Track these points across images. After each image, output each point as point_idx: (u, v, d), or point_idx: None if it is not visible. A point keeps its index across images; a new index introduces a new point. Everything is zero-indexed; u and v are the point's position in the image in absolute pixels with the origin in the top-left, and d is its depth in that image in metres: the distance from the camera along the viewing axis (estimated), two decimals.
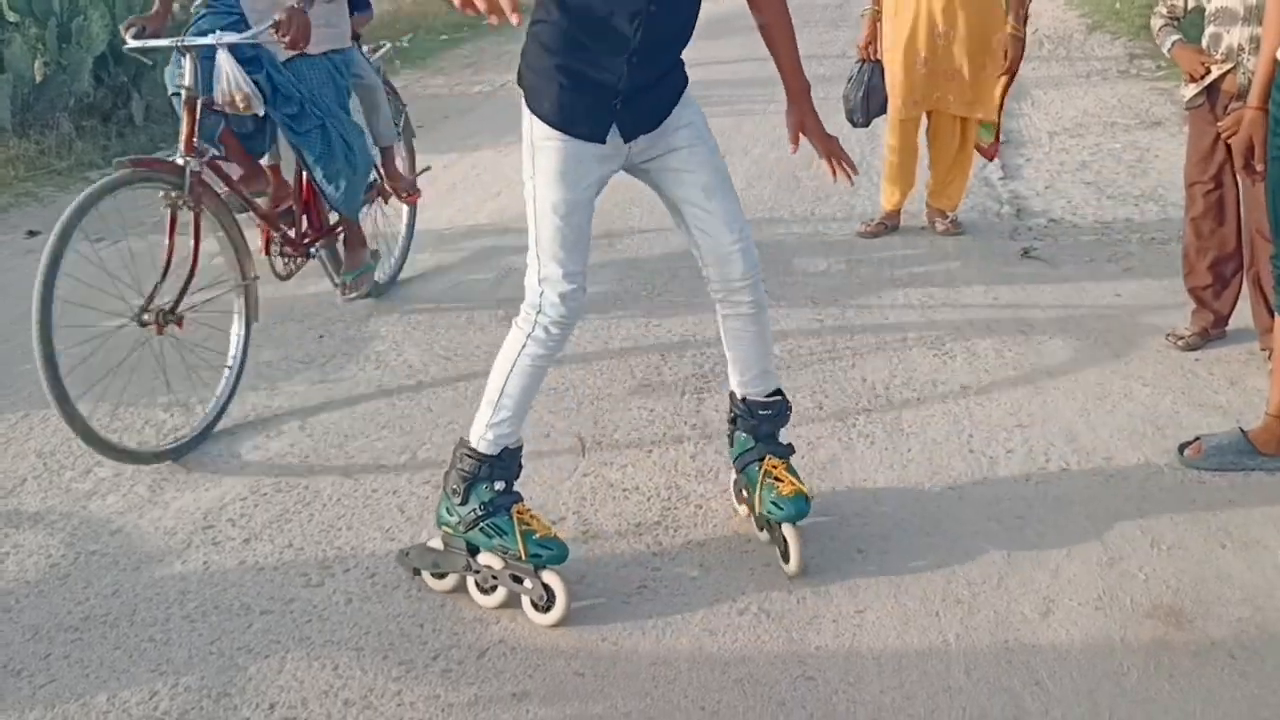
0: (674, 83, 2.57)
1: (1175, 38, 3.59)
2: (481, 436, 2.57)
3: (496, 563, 2.56)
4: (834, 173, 2.73)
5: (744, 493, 2.83)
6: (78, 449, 3.27)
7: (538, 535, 2.54)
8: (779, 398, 2.76)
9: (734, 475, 2.87)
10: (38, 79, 6.63)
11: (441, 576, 2.65)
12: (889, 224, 4.92)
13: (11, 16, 6.76)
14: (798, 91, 2.68)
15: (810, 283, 4.42)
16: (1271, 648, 2.36)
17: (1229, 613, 2.47)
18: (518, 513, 2.57)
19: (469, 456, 2.57)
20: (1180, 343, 3.71)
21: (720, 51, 9.34)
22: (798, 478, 2.69)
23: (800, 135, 2.71)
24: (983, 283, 4.34)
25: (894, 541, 2.78)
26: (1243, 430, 3.04)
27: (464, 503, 2.58)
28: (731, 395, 2.81)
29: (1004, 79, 4.68)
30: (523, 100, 2.51)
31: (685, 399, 3.53)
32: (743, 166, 6.04)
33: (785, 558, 2.64)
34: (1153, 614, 2.48)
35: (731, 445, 2.84)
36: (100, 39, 6.85)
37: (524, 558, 2.51)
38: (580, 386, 3.64)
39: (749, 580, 2.66)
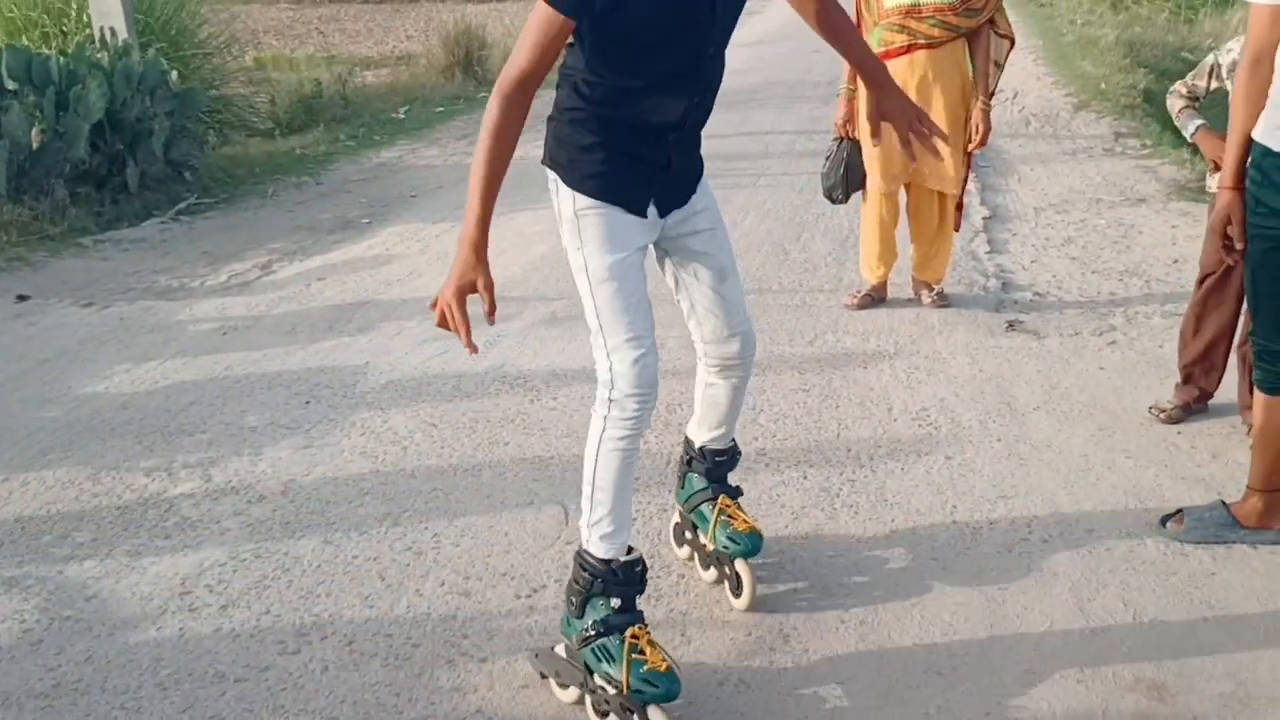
0: (699, 160, 2.58)
1: (1199, 122, 3.62)
2: (588, 539, 2.45)
3: (609, 687, 2.36)
4: (912, 146, 2.63)
5: (686, 534, 2.92)
6: (56, 513, 3.25)
7: (647, 667, 2.31)
8: (734, 444, 2.85)
9: (675, 519, 2.97)
10: (34, 145, 6.69)
11: (565, 687, 2.49)
12: (876, 296, 4.95)
13: (10, 84, 6.84)
14: (874, 72, 2.62)
15: (797, 353, 4.44)
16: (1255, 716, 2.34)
17: (1211, 687, 2.46)
18: (631, 637, 2.35)
19: (582, 566, 2.44)
20: (1163, 416, 3.72)
21: (709, 127, 9.45)
22: (749, 516, 2.78)
23: (881, 122, 2.62)
24: (967, 354, 4.36)
25: (877, 612, 2.76)
26: (1224, 503, 3.05)
27: (580, 616, 2.43)
28: (688, 440, 2.87)
29: (970, 155, 4.75)
30: (555, 181, 2.44)
31: (669, 468, 3.52)
32: (733, 239, 6.04)
33: (736, 592, 2.72)
34: (1135, 687, 2.46)
35: (681, 487, 2.89)
36: (98, 107, 6.93)
37: (626, 691, 2.31)
38: (564, 454, 3.64)
39: (730, 650, 2.64)
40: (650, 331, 2.41)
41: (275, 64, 13.72)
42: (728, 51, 2.47)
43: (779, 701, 2.46)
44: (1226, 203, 2.85)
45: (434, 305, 2.39)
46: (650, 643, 2.37)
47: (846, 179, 4.77)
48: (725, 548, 2.73)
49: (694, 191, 2.56)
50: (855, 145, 4.75)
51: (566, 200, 2.41)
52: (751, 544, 2.72)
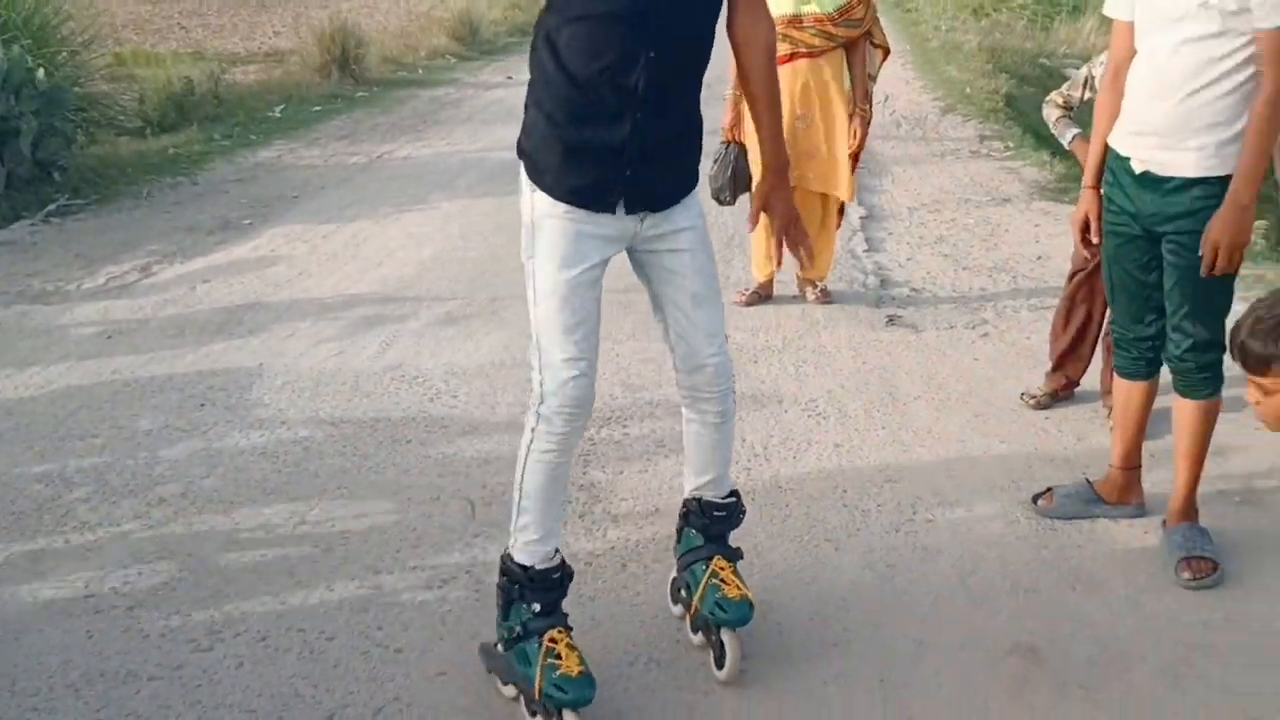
0: (687, 154, 2.46)
1: (1075, 131, 3.84)
2: (514, 544, 2.46)
3: (530, 689, 2.37)
4: (778, 251, 2.71)
5: (682, 592, 2.73)
6: None
7: (559, 672, 2.33)
8: (734, 499, 2.69)
9: (674, 574, 2.79)
10: None
11: (505, 684, 2.50)
12: (763, 294, 5.13)
13: None
14: (773, 167, 2.56)
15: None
16: (1119, 680, 2.56)
17: (1081, 650, 2.67)
18: (549, 641, 2.37)
19: (505, 571, 2.47)
20: (1033, 402, 3.97)
21: None
22: (743, 583, 2.60)
23: (761, 212, 2.61)
24: (851, 348, 4.57)
25: (775, 592, 2.90)
26: (1089, 481, 3.29)
27: (505, 619, 2.47)
28: (684, 497, 2.74)
29: (854, 156, 4.96)
30: (522, 175, 2.41)
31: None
32: None
33: (719, 664, 2.57)
34: (1013, 652, 2.66)
35: (679, 541, 2.75)
36: None
37: (538, 696, 2.34)
38: (467, 451, 3.70)
39: (638, 629, 2.75)
40: (591, 353, 2.37)
41: (137, 60, 13.32)
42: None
43: (687, 677, 2.58)
44: (1086, 199, 3.09)
45: None
46: (569, 646, 2.38)
47: (734, 182, 4.92)
48: (713, 615, 2.56)
49: (678, 201, 2.44)
50: (742, 149, 4.91)
51: (527, 204, 2.39)
52: (740, 614, 2.54)
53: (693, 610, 2.64)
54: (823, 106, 4.76)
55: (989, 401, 4.04)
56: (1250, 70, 2.70)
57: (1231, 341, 2.19)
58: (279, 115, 11.00)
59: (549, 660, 2.34)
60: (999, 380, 4.23)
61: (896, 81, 12.05)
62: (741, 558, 2.70)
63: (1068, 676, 2.57)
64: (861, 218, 6.69)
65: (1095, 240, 3.12)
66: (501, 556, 2.50)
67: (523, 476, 2.43)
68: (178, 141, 9.34)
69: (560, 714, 2.33)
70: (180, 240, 6.48)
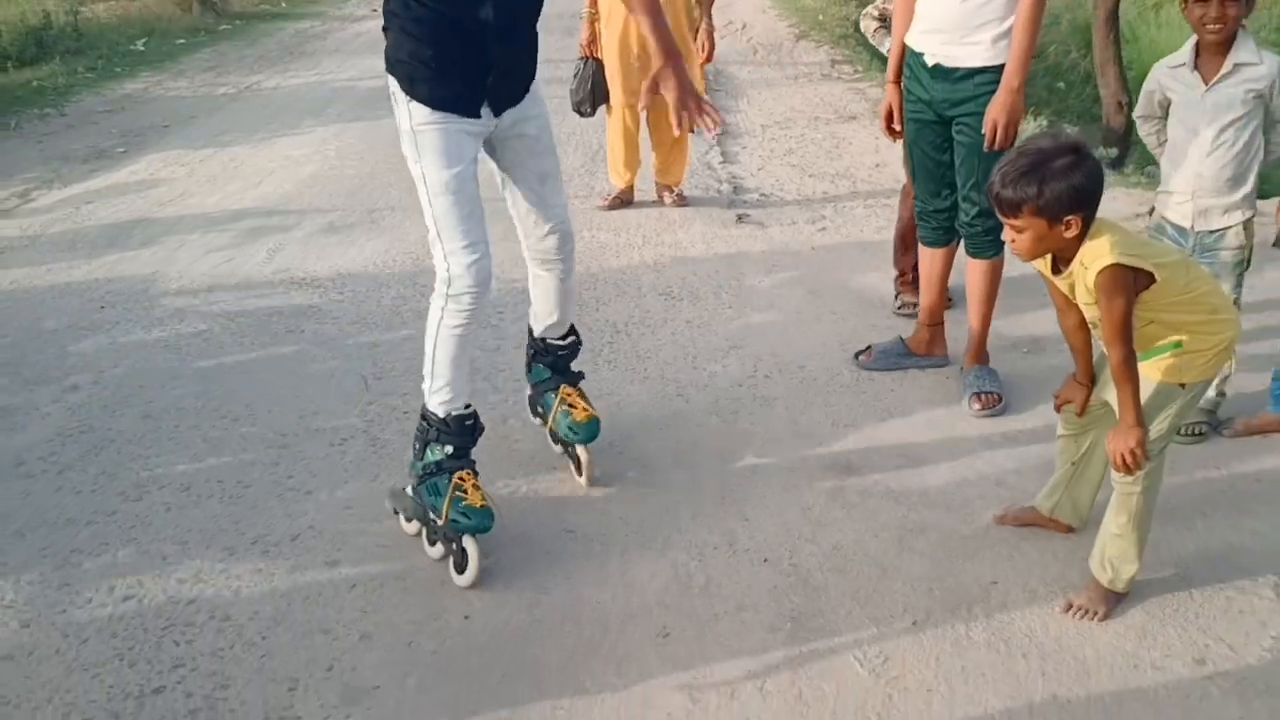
0: (529, 62, 2.78)
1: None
2: (429, 400, 2.79)
3: (436, 519, 2.72)
4: (692, 125, 2.77)
5: (538, 409, 3.25)
6: None
7: (465, 503, 2.67)
8: (573, 337, 3.15)
9: (528, 392, 3.30)
10: None
11: (409, 520, 2.86)
12: (624, 199, 5.57)
13: None
14: (663, 50, 2.72)
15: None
16: (916, 482, 3.11)
17: (888, 463, 3.21)
18: (458, 479, 2.72)
19: (423, 418, 2.80)
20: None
21: None
22: (589, 402, 3.07)
23: (652, 93, 2.78)
24: (704, 243, 5.05)
25: (634, 436, 3.37)
26: (901, 338, 3.84)
27: (420, 459, 2.80)
28: (530, 331, 3.17)
29: (702, 68, 5.40)
30: (395, 89, 2.64)
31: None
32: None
33: (579, 471, 3.07)
34: (831, 468, 3.19)
35: (529, 372, 3.21)
36: None
37: (443, 521, 2.69)
38: (358, 337, 4.08)
39: (517, 468, 3.20)
40: (484, 235, 2.67)
41: None
42: None
43: (571, 508, 3.04)
44: (889, 95, 3.60)
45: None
46: (475, 485, 2.73)
47: (593, 95, 5.34)
48: (566, 436, 3.03)
49: (525, 92, 2.77)
50: (599, 64, 5.32)
51: (404, 114, 2.64)
52: (589, 432, 3.02)
53: (549, 428, 3.13)
54: (670, 22, 5.17)
55: (823, 282, 4.57)
56: None
57: (989, 193, 2.65)
58: (142, 49, 10.95)
59: (456, 493, 2.70)
60: (833, 264, 4.76)
61: (754, 10, 12.54)
62: (583, 378, 3.18)
63: (875, 482, 3.12)
64: (718, 135, 7.15)
65: (898, 128, 3.64)
66: (422, 409, 2.84)
67: (435, 348, 2.75)
68: (40, 75, 9.30)
69: (460, 539, 2.68)
70: (56, 168, 6.61)
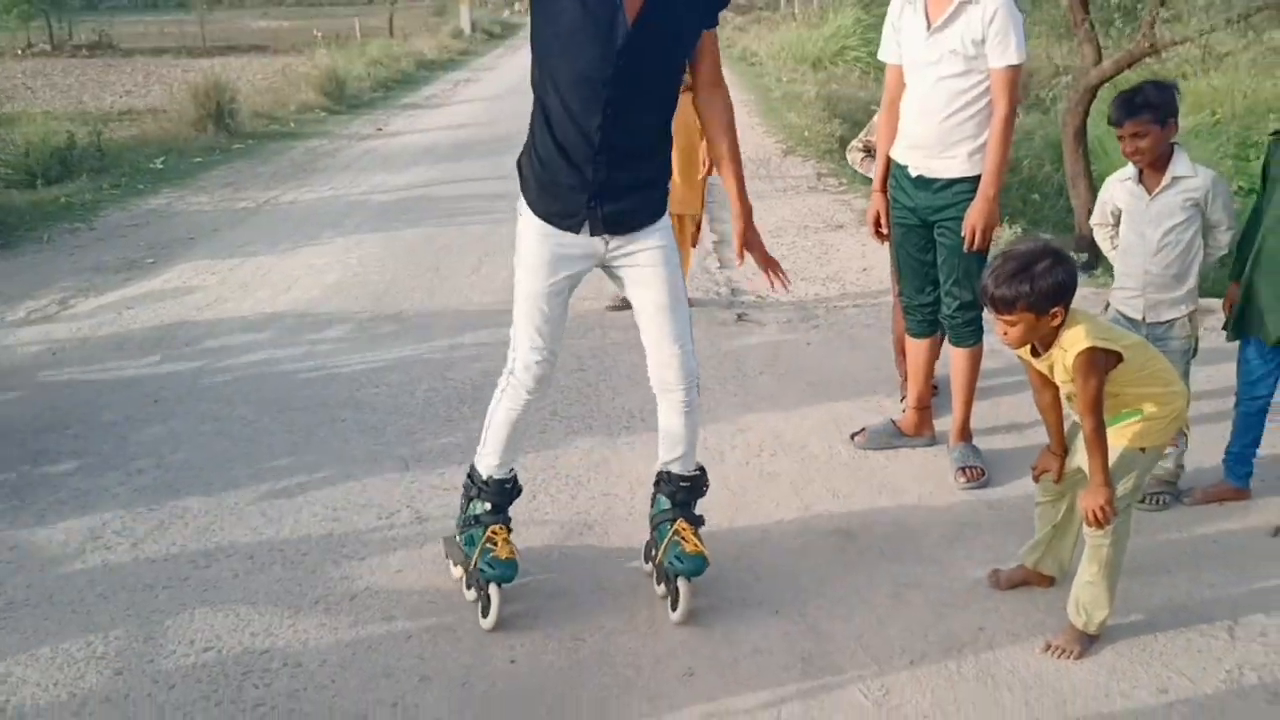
0: (652, 194, 2.91)
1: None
2: (478, 459, 3.12)
3: (472, 566, 3.04)
4: (771, 283, 3.09)
5: (652, 550, 3.20)
6: None
7: (492, 554, 2.98)
8: (699, 473, 3.17)
9: (648, 537, 3.26)
10: None
11: (455, 565, 3.21)
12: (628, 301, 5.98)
13: None
14: (742, 213, 3.04)
15: (574, 346, 5.39)
16: (910, 545, 3.46)
17: (883, 529, 3.57)
18: (491, 533, 3.03)
19: (470, 476, 3.15)
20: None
21: (469, 171, 10.40)
22: (702, 543, 3.05)
23: (743, 251, 3.09)
24: (708, 340, 5.45)
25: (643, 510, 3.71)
26: (893, 420, 4.22)
27: (463, 511, 3.17)
28: (659, 467, 3.21)
29: (703, 180, 5.88)
30: (520, 195, 2.94)
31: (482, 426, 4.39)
32: (504, 262, 7.01)
33: (674, 606, 3.05)
34: (832, 534, 3.54)
35: (652, 506, 3.25)
36: None
37: (472, 568, 3.04)
38: (396, 424, 4.44)
39: (550, 537, 3.53)
40: (553, 345, 2.92)
41: (3, 120, 13.68)
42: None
43: (603, 568, 3.37)
44: (875, 202, 4.05)
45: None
46: (505, 540, 3.02)
47: None
48: (671, 565, 3.03)
49: (642, 226, 2.90)
50: None
51: (519, 217, 2.94)
52: (694, 565, 3.00)
53: (657, 561, 3.13)
54: (676, 140, 5.65)
55: (820, 373, 4.97)
56: (988, 98, 3.68)
57: (982, 293, 3.00)
58: (161, 166, 11.48)
59: (487, 545, 3.03)
60: (827, 357, 5.17)
61: (743, 128, 13.11)
62: (703, 524, 3.17)
63: (871, 545, 3.47)
64: (714, 242, 7.64)
65: (885, 232, 4.07)
66: (470, 467, 3.19)
67: (491, 417, 3.07)
68: (68, 191, 9.78)
69: (486, 586, 2.99)
70: (90, 278, 7.00)
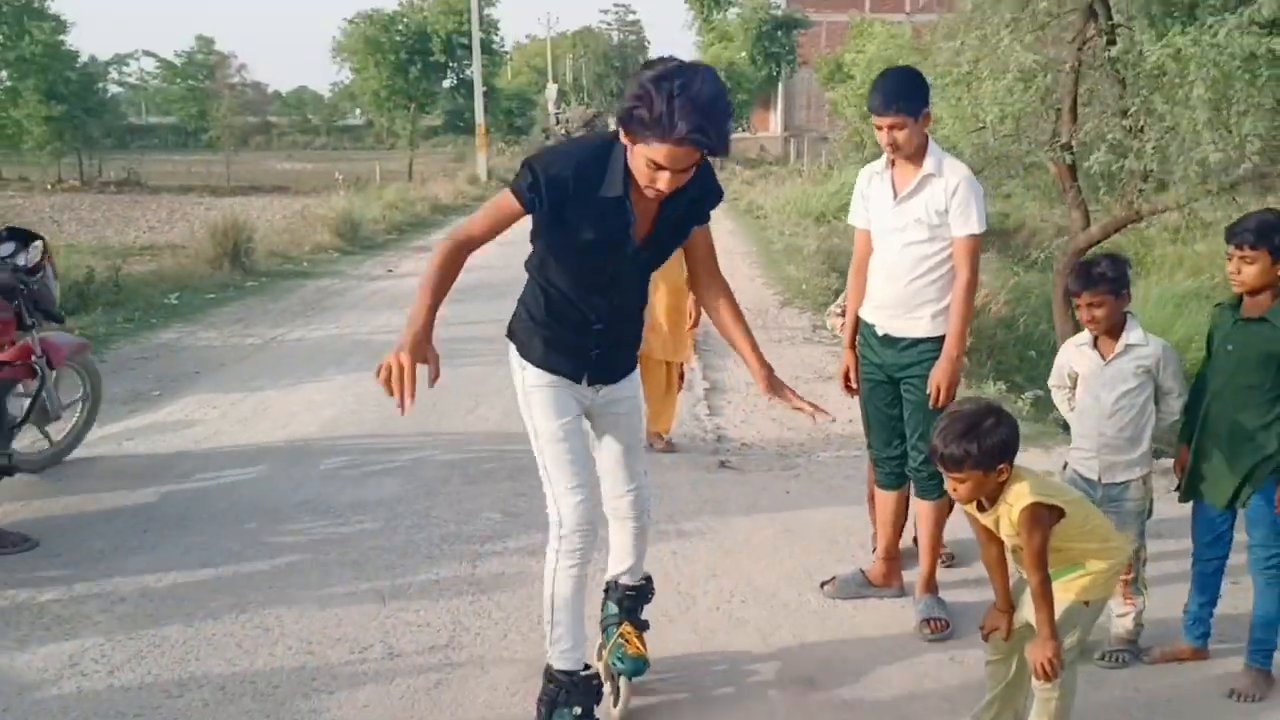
0: (632, 353, 3.24)
1: None
2: (552, 656, 3.08)
3: None
4: (812, 415, 3.16)
5: (601, 652, 3.45)
6: None
7: None
8: (645, 582, 3.47)
9: (599, 640, 3.48)
10: None
11: None
12: None
13: None
14: (762, 373, 3.18)
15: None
16: (870, 695, 3.51)
17: (846, 678, 3.63)
18: None
19: (550, 679, 3.08)
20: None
21: (473, 313, 10.66)
22: (644, 646, 3.36)
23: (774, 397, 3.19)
24: (689, 484, 5.58)
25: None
26: (862, 570, 4.31)
27: None
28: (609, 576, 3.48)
29: (692, 330, 6.09)
30: (513, 355, 3.14)
31: (462, 564, 4.49)
32: (499, 404, 7.17)
33: (614, 702, 3.31)
34: (795, 682, 3.60)
35: (601, 610, 3.48)
36: None
37: None
38: (376, 559, 4.54)
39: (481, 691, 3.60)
40: (590, 480, 3.05)
41: None
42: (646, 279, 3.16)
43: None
44: (846, 358, 4.22)
45: (381, 368, 2.65)
46: None
47: None
48: (614, 665, 3.32)
49: (624, 376, 3.23)
50: None
51: (519, 378, 3.13)
52: (635, 666, 3.30)
53: (602, 661, 3.36)
54: (665, 290, 5.89)
55: (798, 520, 5.07)
56: (950, 263, 3.88)
57: (932, 452, 3.15)
58: (175, 302, 11.79)
59: None
60: (806, 505, 5.28)
61: (742, 278, 13.54)
62: (648, 628, 3.45)
63: (834, 695, 3.53)
64: (705, 389, 7.82)
65: (854, 386, 4.24)
66: (545, 669, 3.14)
67: (553, 594, 3.04)
68: (83, 324, 10.03)
69: None
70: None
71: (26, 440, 5.58)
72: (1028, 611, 3.03)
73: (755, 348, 3.23)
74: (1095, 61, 7.75)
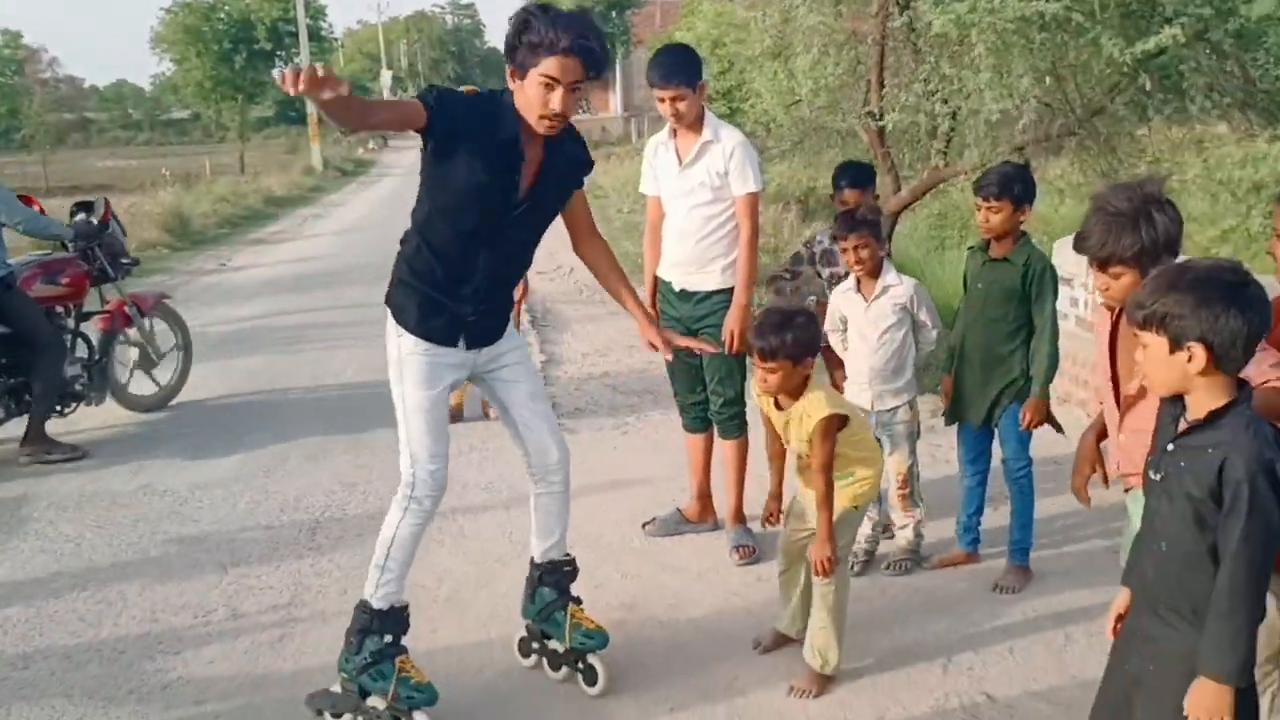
0: (506, 312, 3.32)
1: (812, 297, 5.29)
2: (373, 595, 3.15)
3: (380, 704, 3.09)
4: (697, 350, 3.61)
5: (534, 645, 3.54)
6: None
7: (413, 681, 3.08)
8: (571, 556, 3.56)
9: (521, 634, 3.58)
10: None
11: (338, 716, 3.19)
12: (454, 415, 6.37)
13: None
14: (645, 321, 3.54)
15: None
16: (685, 615, 3.88)
17: (663, 603, 3.99)
18: (400, 663, 3.11)
19: (364, 613, 3.14)
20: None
21: (311, 302, 10.69)
22: (591, 617, 3.46)
23: (661, 342, 3.52)
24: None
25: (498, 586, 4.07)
26: (679, 509, 4.68)
27: (357, 652, 3.13)
28: (532, 562, 3.53)
29: (520, 303, 6.37)
30: (389, 322, 3.17)
31: (301, 532, 4.70)
32: (338, 389, 7.32)
33: (591, 681, 3.38)
34: (617, 608, 3.94)
35: (532, 602, 3.51)
36: None
37: (391, 700, 3.07)
38: (217, 533, 4.69)
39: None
40: (446, 449, 3.17)
41: None
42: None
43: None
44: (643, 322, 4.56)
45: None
46: (414, 666, 3.15)
47: None
48: (581, 644, 3.37)
49: (500, 336, 3.30)
50: None
51: (394, 344, 3.18)
52: (602, 639, 3.39)
53: (556, 652, 3.47)
54: None
55: (625, 475, 5.42)
56: (734, 221, 4.26)
57: (749, 347, 3.37)
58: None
59: (402, 675, 3.11)
60: (630, 460, 5.64)
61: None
62: (582, 602, 3.52)
63: (651, 616, 3.88)
64: (543, 362, 8.11)
65: (656, 343, 4.58)
66: (359, 604, 3.21)
67: (392, 544, 3.16)
68: None
69: (411, 714, 3.09)
70: None
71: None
72: (810, 518, 3.42)
73: (637, 300, 3.55)
74: (899, 33, 8.30)
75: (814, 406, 3.32)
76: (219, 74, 37.73)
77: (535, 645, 3.56)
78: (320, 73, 2.49)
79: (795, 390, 3.36)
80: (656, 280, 4.51)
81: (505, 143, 3.05)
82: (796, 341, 3.27)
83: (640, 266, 4.86)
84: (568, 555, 3.55)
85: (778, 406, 3.43)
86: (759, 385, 3.41)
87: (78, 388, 6.11)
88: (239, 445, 5.98)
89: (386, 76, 55.83)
